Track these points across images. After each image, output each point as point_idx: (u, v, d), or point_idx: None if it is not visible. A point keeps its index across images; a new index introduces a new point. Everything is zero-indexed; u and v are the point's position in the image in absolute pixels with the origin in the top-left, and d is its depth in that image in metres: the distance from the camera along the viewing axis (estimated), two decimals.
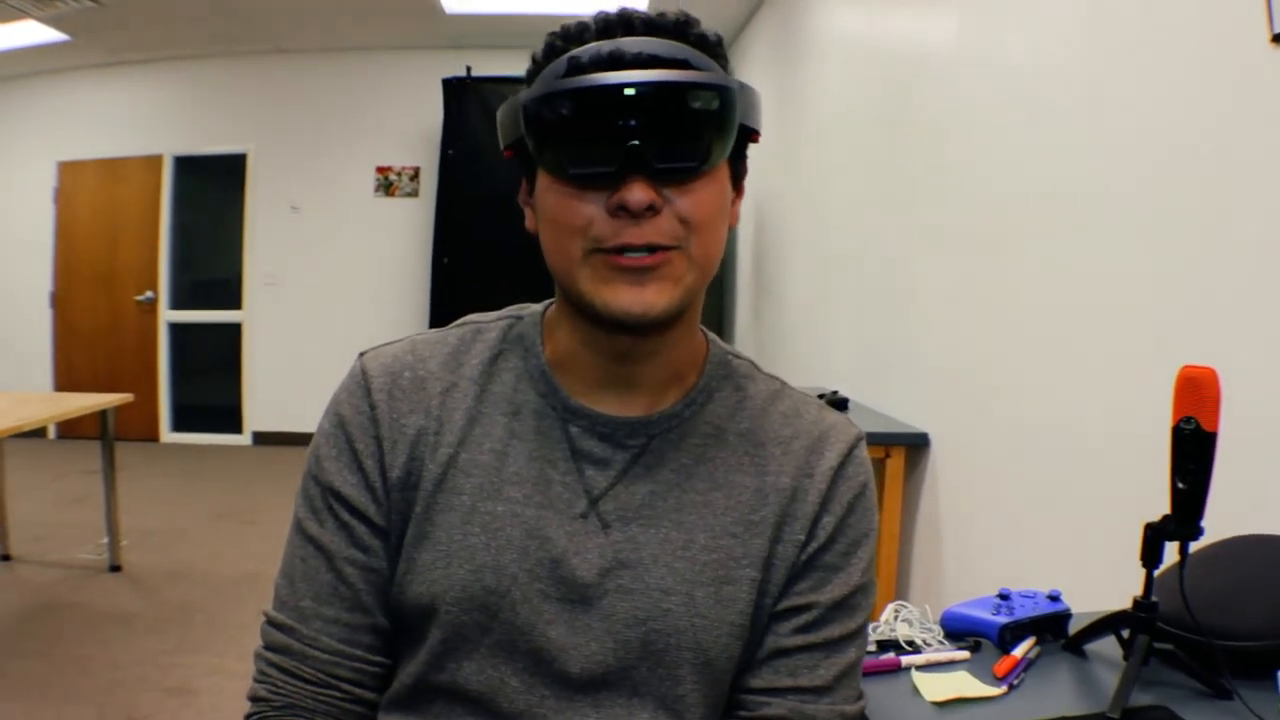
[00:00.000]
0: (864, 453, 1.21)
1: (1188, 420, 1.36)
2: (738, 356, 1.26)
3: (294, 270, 9.08)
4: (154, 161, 9.05)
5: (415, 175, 9.00)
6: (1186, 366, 1.38)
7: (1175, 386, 1.38)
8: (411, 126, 8.88)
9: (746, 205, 6.72)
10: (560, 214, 1.05)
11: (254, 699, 1.15)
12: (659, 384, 1.16)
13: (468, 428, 1.15)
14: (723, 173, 1.09)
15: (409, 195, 9.03)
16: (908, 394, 3.86)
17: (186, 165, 9.17)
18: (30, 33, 7.58)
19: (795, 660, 1.14)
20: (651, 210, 1.01)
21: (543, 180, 1.08)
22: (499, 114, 1.11)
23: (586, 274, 1.05)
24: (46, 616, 4.61)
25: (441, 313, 7.94)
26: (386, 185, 9.04)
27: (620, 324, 1.06)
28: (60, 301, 9.27)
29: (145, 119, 9.06)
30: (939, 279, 3.53)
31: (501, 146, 1.11)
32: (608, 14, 1.07)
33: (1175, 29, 2.17)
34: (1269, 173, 1.87)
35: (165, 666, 4.04)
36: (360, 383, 1.17)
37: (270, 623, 1.17)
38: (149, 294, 9.11)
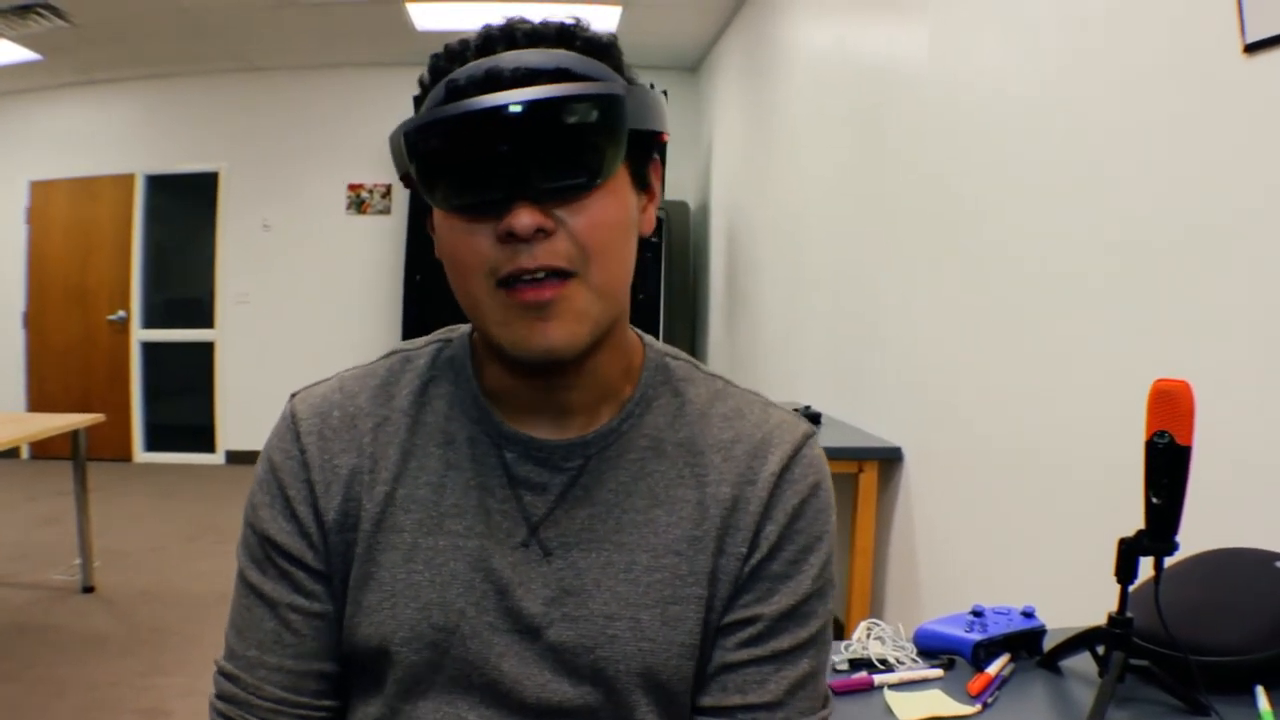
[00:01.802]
0: (814, 452, 1.14)
1: (1161, 434, 1.36)
2: (676, 358, 1.20)
3: (266, 288, 9.03)
4: (126, 180, 9.00)
5: (387, 193, 8.96)
6: (1160, 380, 1.37)
7: (1148, 400, 1.37)
8: (383, 144, 8.62)
9: (718, 220, 6.70)
10: (456, 250, 1.02)
11: None
12: (591, 403, 1.12)
13: (402, 462, 1.12)
14: (621, 183, 1.04)
15: (381, 213, 9.00)
16: (881, 408, 3.86)
17: (158, 184, 9.12)
18: (1, 52, 7.53)
19: (743, 675, 1.09)
20: (542, 234, 0.97)
21: (436, 214, 1.05)
22: (389, 143, 1.06)
23: (491, 315, 1.02)
24: (19, 638, 4.56)
25: (414, 330, 7.85)
26: (358, 203, 9.00)
27: (528, 364, 1.03)
28: (33, 321, 9.19)
29: (117, 138, 9.01)
30: (912, 293, 3.53)
31: (398, 176, 1.06)
32: (490, 28, 1.02)
33: (1147, 40, 2.18)
34: (1242, 182, 1.88)
35: (140, 688, 4.00)
36: (290, 426, 1.16)
37: (220, 672, 1.14)
38: (121, 313, 9.04)
